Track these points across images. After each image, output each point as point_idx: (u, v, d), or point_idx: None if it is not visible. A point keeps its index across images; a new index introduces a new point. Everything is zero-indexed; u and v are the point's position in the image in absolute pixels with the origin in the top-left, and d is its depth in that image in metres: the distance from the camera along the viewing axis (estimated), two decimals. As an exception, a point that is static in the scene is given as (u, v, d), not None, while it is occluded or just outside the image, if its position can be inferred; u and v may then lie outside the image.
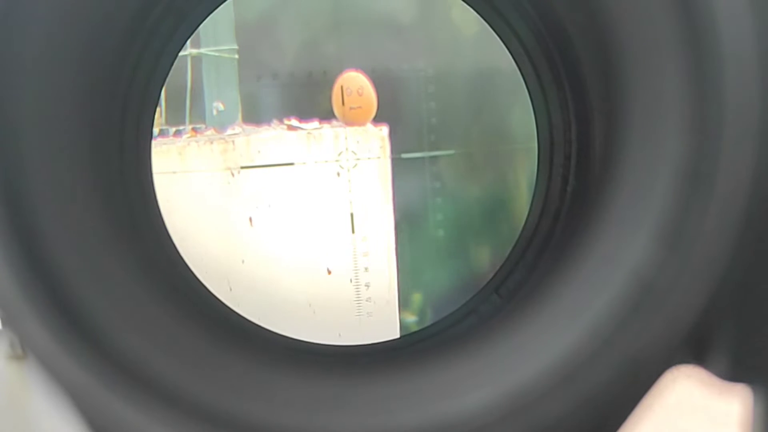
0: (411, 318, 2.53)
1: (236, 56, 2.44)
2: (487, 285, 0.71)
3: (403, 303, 2.45)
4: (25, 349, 0.39)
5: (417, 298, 2.57)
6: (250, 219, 2.26)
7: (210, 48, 2.42)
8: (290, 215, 2.27)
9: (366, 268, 2.37)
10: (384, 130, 2.37)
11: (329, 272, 2.34)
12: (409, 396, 0.40)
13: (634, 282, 0.38)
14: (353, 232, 2.37)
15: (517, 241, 0.72)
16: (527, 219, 0.72)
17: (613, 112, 0.44)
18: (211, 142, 2.26)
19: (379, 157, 2.34)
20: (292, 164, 2.46)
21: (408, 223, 2.69)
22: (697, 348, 0.45)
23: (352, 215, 2.38)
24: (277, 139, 2.31)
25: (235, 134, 2.34)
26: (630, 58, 0.41)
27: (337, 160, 2.31)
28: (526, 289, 0.66)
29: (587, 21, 0.48)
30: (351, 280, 2.36)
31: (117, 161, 0.54)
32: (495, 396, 0.39)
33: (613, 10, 0.42)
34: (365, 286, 2.37)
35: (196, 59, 2.44)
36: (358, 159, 2.32)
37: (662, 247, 0.38)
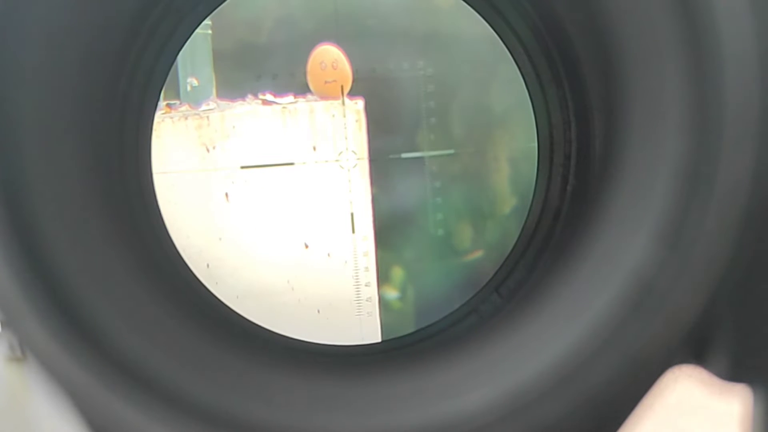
0: (392, 294, 2.52)
1: (210, 32, 2.42)
2: (487, 284, 0.71)
3: (383, 278, 2.44)
4: (24, 351, 0.39)
5: (398, 273, 2.56)
6: (226, 194, 2.25)
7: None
8: (270, 191, 2.27)
9: (366, 268, 2.37)
10: (359, 103, 2.37)
11: (321, 254, 2.33)
12: (409, 396, 0.40)
13: (634, 282, 0.38)
14: (353, 232, 2.37)
15: (517, 241, 0.72)
16: (527, 218, 0.72)
17: (612, 112, 0.44)
18: (186, 118, 2.26)
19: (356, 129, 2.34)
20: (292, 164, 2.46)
21: (407, 223, 2.69)
22: (697, 348, 0.45)
23: (352, 215, 2.38)
24: (252, 114, 2.31)
25: (209, 110, 2.34)
26: (630, 57, 0.41)
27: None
28: (526, 288, 0.66)
29: (587, 20, 0.48)
30: (353, 283, 2.36)
31: (117, 161, 0.54)
32: (495, 396, 0.39)
33: (613, 10, 0.42)
34: (365, 285, 2.37)
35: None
36: (356, 157, 2.32)
37: (662, 247, 0.38)
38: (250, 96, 2.42)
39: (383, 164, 2.56)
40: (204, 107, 2.39)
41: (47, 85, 0.42)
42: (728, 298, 0.43)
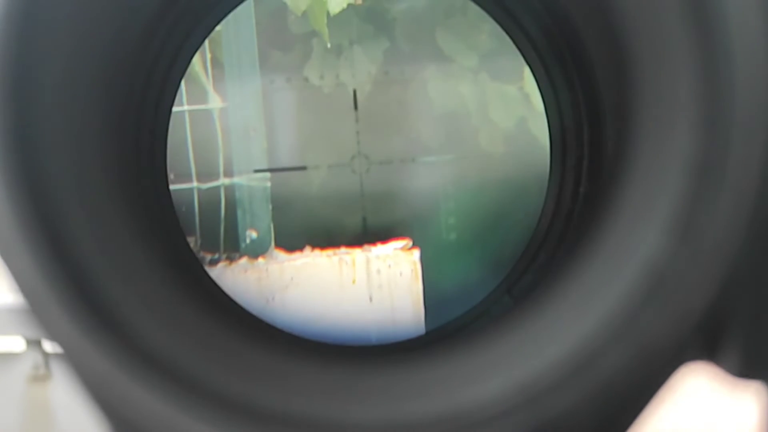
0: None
1: (268, 184, 2.41)
2: (499, 286, 0.71)
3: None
4: (49, 369, 0.40)
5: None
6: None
7: (242, 176, 2.39)
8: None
9: (378, 270, 2.37)
10: (416, 254, 2.36)
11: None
12: (426, 385, 0.41)
13: (646, 273, 0.39)
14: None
15: (529, 243, 0.72)
16: (539, 221, 0.72)
17: (625, 113, 0.44)
18: (246, 270, 2.26)
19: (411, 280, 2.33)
20: (304, 168, 2.46)
21: (420, 227, 2.69)
22: (709, 343, 0.45)
23: (364, 219, 2.38)
24: (310, 265, 2.30)
25: (268, 262, 2.33)
26: (642, 58, 0.42)
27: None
28: (538, 290, 0.67)
29: (599, 21, 0.48)
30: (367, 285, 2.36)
31: (133, 160, 0.55)
32: (508, 386, 0.39)
33: (625, 11, 0.42)
34: (378, 287, 2.37)
35: (229, 188, 2.41)
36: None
37: (674, 239, 0.38)
38: (307, 247, 2.41)
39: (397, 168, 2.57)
40: (262, 259, 2.38)
41: (69, 83, 0.43)
42: (740, 290, 0.44)
